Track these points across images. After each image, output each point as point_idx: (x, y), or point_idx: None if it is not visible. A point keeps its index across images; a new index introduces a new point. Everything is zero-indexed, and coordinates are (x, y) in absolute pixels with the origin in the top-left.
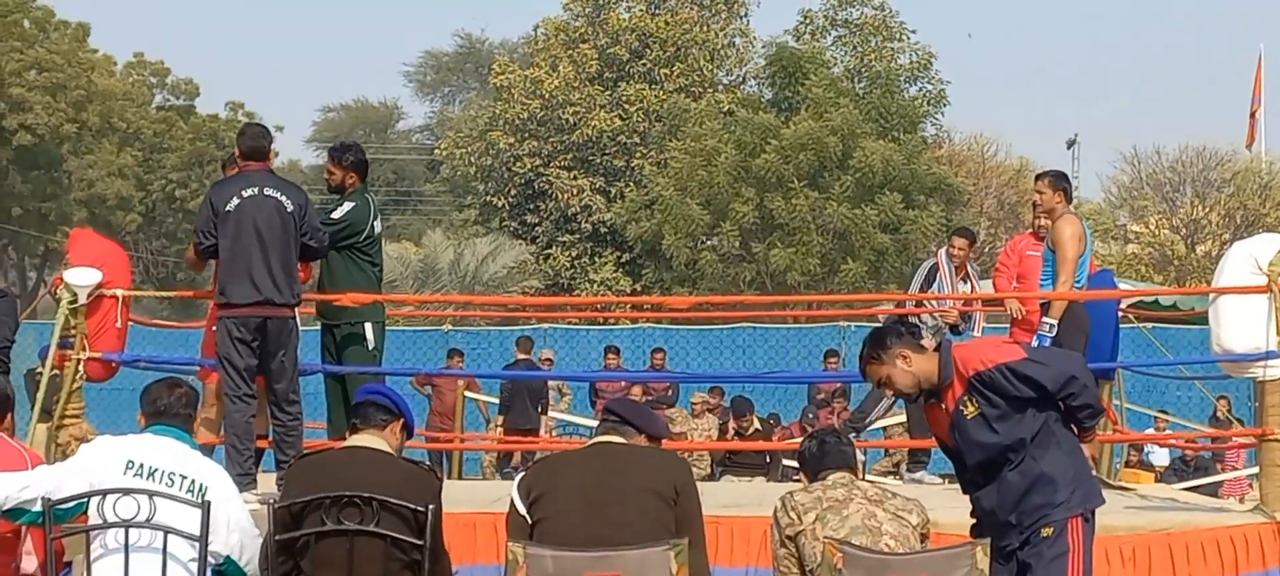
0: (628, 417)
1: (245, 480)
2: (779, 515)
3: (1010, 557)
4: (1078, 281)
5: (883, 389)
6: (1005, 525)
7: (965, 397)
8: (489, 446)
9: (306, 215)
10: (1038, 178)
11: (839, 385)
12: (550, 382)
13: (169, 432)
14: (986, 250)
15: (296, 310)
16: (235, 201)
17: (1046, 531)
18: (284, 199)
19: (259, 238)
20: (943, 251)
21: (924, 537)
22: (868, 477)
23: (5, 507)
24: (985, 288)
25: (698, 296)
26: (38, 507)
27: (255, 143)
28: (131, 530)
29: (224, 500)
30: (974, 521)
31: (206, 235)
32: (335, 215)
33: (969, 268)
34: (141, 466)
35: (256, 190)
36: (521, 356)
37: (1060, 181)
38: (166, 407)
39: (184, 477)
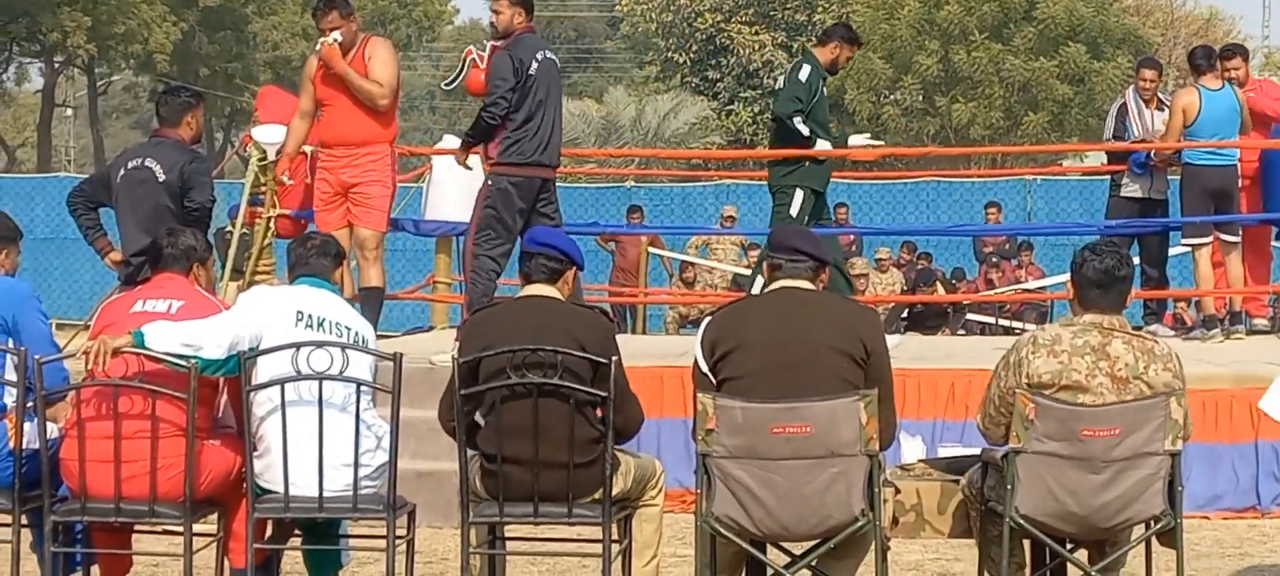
0: (800, 247)
1: None
2: (1000, 369)
3: None
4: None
5: None
6: None
7: None
8: (674, 299)
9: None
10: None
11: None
12: (733, 238)
13: (320, 283)
14: None
15: None
16: (535, 64)
17: None
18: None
19: (551, 100)
20: (1129, 89)
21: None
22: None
23: (211, 355)
24: None
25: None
26: (214, 355)
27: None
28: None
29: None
30: None
31: (510, 96)
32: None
33: (1161, 98)
34: (310, 316)
35: (545, 53)
36: None
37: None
38: (301, 258)
39: (347, 328)
